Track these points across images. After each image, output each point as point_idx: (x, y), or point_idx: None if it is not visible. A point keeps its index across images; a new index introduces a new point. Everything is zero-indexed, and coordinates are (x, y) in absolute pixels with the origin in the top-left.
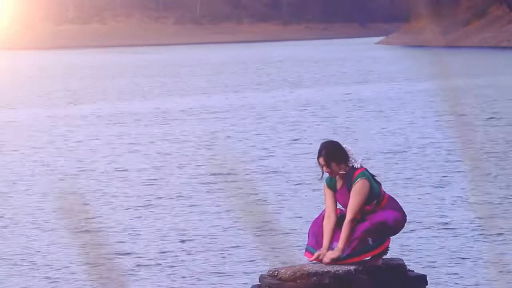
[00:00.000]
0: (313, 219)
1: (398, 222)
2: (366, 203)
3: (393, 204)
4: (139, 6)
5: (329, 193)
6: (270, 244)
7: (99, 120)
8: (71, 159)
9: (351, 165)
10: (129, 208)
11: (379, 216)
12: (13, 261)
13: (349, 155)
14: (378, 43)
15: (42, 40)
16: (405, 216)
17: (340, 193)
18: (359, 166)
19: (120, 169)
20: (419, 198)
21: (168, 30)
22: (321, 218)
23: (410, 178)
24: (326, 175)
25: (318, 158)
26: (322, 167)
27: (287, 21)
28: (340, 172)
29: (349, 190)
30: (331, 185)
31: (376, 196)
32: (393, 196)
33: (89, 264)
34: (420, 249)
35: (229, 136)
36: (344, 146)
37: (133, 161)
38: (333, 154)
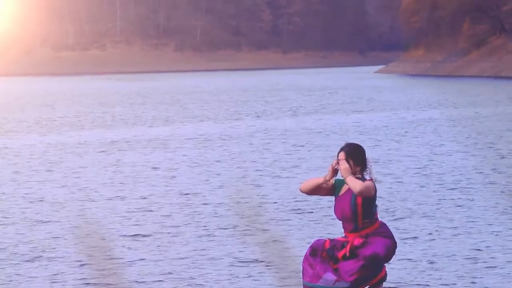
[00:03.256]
0: (304, 255)
1: (390, 249)
2: (367, 206)
3: (384, 231)
4: (139, 33)
5: (329, 183)
6: (270, 272)
7: (96, 147)
8: (65, 187)
9: (364, 173)
10: (124, 236)
11: (370, 249)
12: None
13: (368, 165)
14: (378, 71)
15: (41, 66)
16: (395, 242)
17: (341, 199)
18: (371, 178)
19: (117, 197)
20: (423, 228)
21: (168, 57)
22: (309, 251)
23: (410, 208)
24: (337, 177)
25: (338, 153)
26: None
27: (286, 49)
28: (355, 176)
29: (354, 194)
30: (337, 187)
31: (372, 215)
32: (384, 223)
33: None
34: (419, 279)
35: (225, 163)
36: (367, 156)
37: (130, 189)
38: (354, 153)
